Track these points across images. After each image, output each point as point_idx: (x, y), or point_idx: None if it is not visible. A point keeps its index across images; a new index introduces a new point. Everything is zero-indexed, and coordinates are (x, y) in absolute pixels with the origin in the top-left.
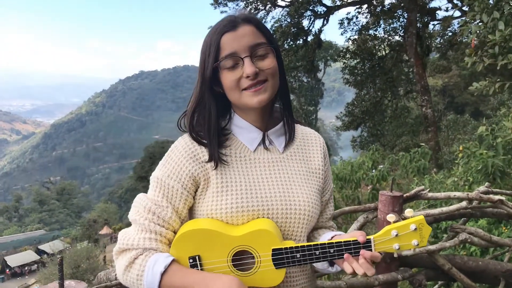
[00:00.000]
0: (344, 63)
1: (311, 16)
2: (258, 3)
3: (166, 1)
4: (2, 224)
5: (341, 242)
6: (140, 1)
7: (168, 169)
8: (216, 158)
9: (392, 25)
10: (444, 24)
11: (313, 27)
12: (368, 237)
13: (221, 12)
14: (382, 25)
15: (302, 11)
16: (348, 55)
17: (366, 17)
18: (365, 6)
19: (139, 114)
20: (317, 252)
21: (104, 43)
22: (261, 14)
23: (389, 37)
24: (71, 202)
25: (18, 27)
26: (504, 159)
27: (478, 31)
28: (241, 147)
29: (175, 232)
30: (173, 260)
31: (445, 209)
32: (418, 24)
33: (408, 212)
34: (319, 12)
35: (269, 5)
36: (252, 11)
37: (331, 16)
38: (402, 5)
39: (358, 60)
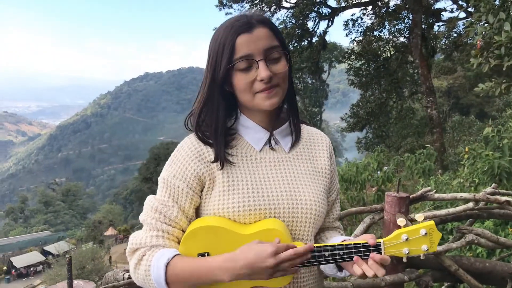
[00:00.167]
0: (349, 64)
1: (316, 18)
2: (263, 5)
3: (166, 1)
4: (8, 225)
5: (350, 244)
6: (140, 1)
7: (174, 169)
8: (222, 158)
9: (397, 27)
10: (449, 25)
11: (317, 28)
12: (378, 240)
13: (226, 14)
14: (387, 27)
15: (306, 12)
16: (353, 57)
17: (371, 19)
18: (370, 7)
19: (144, 116)
20: (327, 254)
21: (104, 43)
22: (266, 15)
23: (394, 39)
24: (76, 203)
25: (18, 27)
26: (511, 160)
27: (484, 32)
28: (247, 147)
29: (183, 231)
30: (178, 254)
31: (451, 210)
32: (423, 26)
33: (418, 217)
34: (323, 14)
35: (274, 6)
36: (257, 13)
37: (336, 17)
38: (407, 6)
39: (363, 62)
